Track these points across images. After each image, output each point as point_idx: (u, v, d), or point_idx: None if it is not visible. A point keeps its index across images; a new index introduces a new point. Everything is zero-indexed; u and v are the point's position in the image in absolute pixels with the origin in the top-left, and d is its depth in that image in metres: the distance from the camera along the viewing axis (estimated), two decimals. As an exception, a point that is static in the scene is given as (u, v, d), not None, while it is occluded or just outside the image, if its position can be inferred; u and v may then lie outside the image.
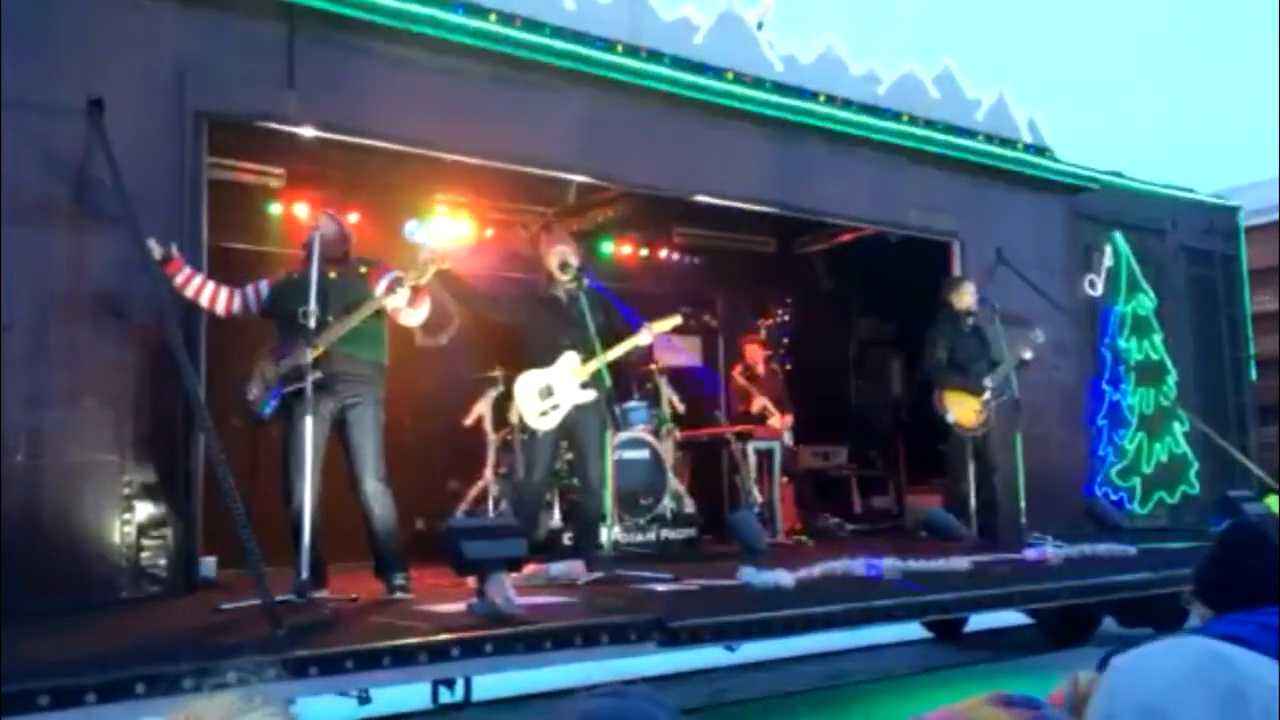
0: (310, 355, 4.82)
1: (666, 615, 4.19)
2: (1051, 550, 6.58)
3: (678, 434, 8.21)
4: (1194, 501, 9.60)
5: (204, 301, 5.16)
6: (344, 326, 4.96)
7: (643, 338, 6.10)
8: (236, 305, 5.23)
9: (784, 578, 5.16)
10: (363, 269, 5.28)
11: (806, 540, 8.21)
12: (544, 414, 5.88)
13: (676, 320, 6.27)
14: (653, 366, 8.35)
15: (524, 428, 6.18)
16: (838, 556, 5.87)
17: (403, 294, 5.06)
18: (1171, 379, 9.69)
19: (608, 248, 9.41)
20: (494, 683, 4.97)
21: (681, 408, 8.34)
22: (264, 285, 5.28)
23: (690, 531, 7.78)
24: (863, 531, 9.16)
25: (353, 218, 6.69)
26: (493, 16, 6.16)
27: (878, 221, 8.55)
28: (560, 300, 6.01)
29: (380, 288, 5.09)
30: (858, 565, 5.71)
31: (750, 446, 8.39)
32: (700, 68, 7.11)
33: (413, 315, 5.23)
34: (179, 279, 5.04)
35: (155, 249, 4.90)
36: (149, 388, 5.05)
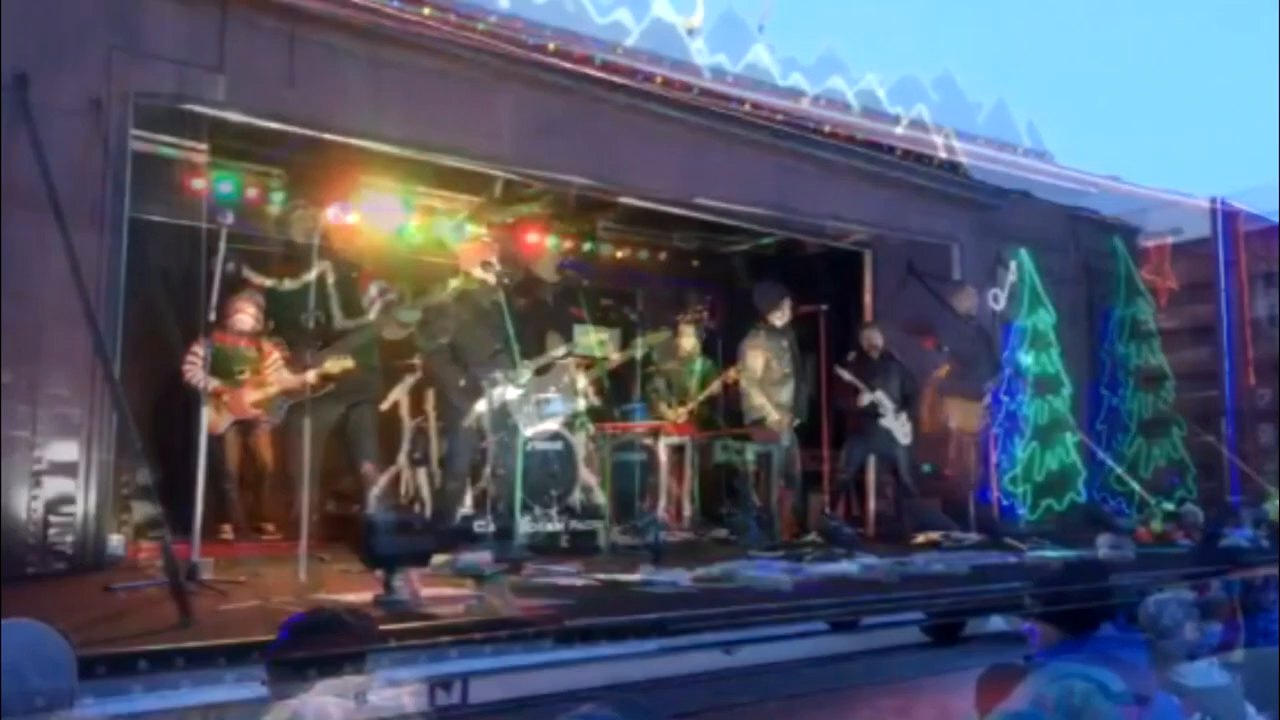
0: (308, 356, 4.83)
1: (666, 616, 4.18)
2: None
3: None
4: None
5: None
6: (338, 328, 4.97)
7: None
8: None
9: (782, 579, 5.16)
10: (354, 273, 5.28)
11: (805, 541, 8.18)
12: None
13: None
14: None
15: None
16: (835, 559, 5.87)
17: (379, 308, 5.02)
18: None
19: (607, 250, 9.35)
20: (493, 685, 4.95)
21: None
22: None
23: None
24: (861, 533, 9.14)
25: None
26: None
27: (876, 224, 8.55)
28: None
29: (371, 293, 5.09)
30: (853, 567, 5.72)
31: (749, 448, 8.37)
32: (694, 69, 7.08)
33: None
34: None
35: None
36: (148, 388, 5.04)
